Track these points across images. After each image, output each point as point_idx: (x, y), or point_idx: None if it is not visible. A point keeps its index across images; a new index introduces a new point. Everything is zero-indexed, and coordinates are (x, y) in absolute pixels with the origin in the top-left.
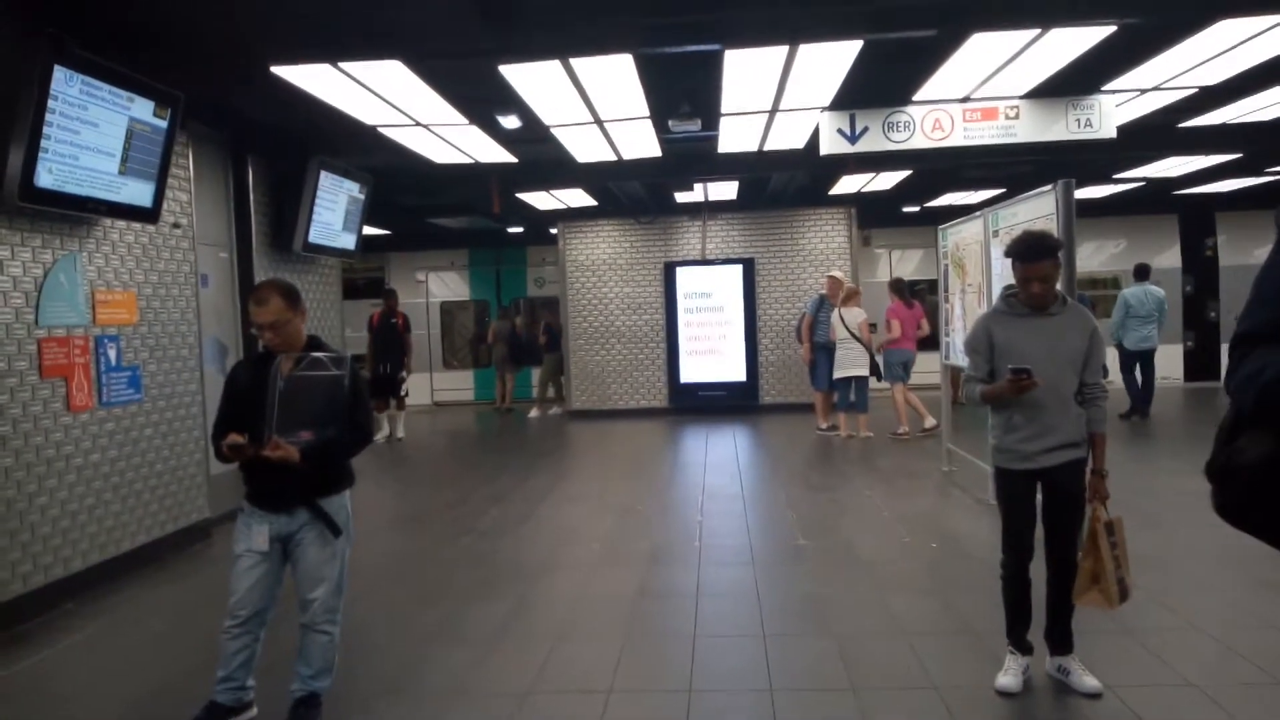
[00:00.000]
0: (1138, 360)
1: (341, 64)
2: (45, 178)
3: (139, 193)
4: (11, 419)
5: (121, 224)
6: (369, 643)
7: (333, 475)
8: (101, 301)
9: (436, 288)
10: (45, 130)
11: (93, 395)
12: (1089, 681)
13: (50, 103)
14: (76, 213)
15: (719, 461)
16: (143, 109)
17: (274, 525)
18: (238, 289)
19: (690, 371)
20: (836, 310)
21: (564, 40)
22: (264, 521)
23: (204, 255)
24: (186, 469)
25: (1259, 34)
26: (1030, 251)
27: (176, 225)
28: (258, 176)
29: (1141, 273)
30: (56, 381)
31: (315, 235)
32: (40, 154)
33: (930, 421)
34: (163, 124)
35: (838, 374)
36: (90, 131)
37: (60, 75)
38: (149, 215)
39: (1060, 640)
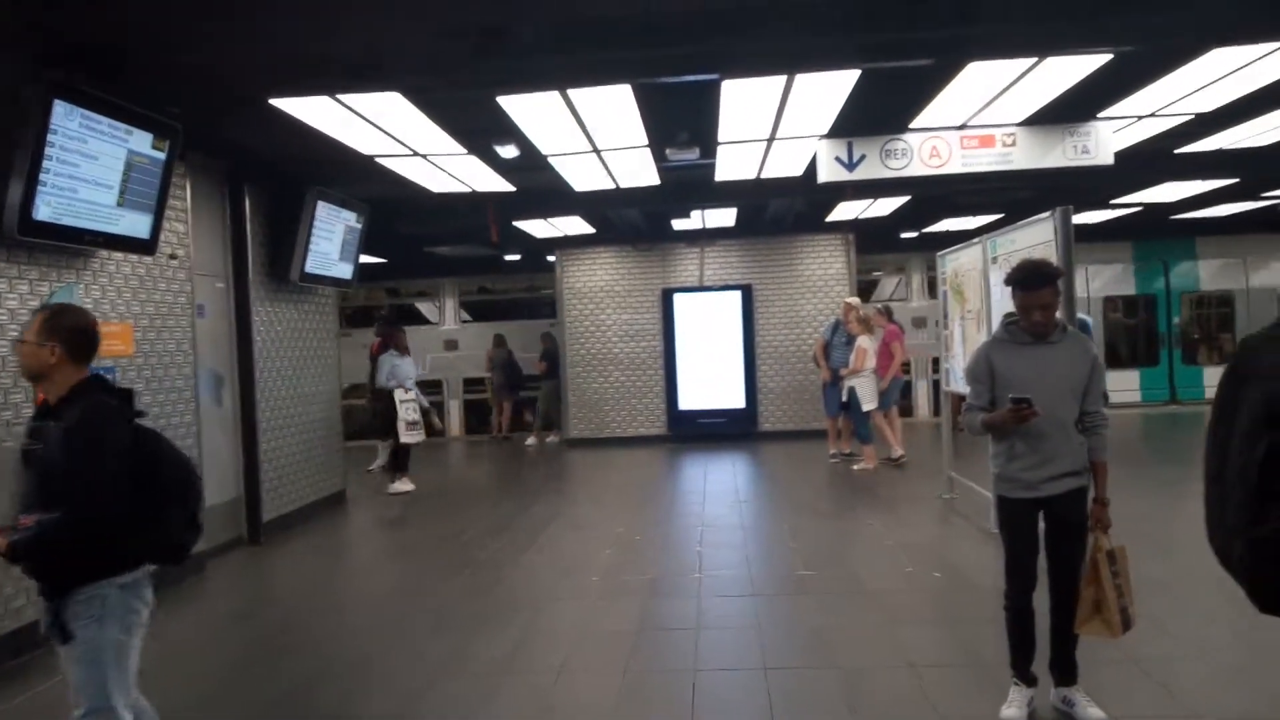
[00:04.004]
0: None
1: (339, 95)
2: (44, 210)
3: (136, 224)
4: (5, 452)
5: (119, 255)
6: (370, 678)
7: (68, 567)
8: None
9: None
10: (44, 164)
11: None
12: (1093, 713)
13: (50, 136)
14: (74, 245)
15: (718, 490)
16: (141, 141)
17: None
18: (234, 320)
19: (689, 399)
20: (869, 338)
21: (560, 71)
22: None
23: (201, 286)
24: None
25: (1252, 62)
26: (1030, 279)
27: (173, 256)
28: (255, 207)
29: None
30: None
31: (312, 265)
32: (39, 188)
33: (898, 451)
34: (161, 155)
35: (874, 404)
36: (89, 164)
37: (60, 109)
38: (146, 247)
39: (1064, 671)
